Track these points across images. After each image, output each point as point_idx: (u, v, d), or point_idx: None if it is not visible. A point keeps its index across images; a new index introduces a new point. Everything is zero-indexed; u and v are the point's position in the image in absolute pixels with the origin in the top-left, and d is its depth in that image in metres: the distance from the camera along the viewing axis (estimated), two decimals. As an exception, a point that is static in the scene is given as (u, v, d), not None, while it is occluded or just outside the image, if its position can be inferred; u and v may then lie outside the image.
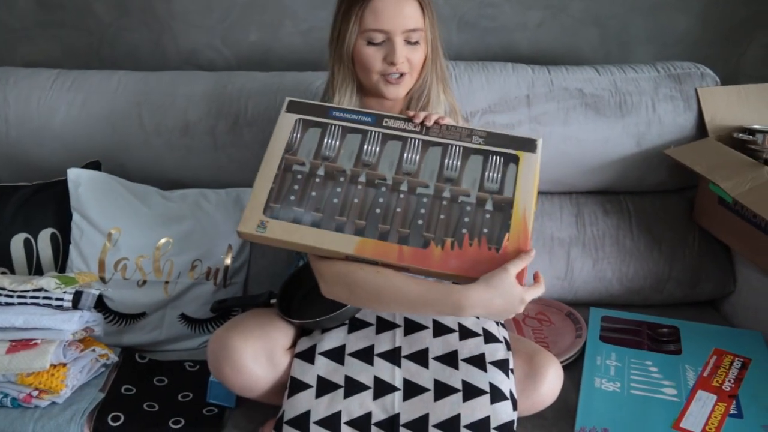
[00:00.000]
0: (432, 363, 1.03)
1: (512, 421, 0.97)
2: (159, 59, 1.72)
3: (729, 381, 1.16)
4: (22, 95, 1.48)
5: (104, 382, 1.20)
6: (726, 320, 1.44)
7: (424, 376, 1.02)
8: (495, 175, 1.02)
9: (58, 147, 1.48)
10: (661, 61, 1.55)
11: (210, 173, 1.49)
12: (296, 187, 1.02)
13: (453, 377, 1.01)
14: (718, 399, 1.12)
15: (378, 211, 0.99)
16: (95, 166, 1.42)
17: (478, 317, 1.09)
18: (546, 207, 1.51)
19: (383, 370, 1.03)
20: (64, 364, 1.12)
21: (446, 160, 1.03)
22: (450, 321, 1.09)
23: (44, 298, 1.14)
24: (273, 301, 1.17)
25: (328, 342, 1.06)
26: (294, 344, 1.07)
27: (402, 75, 1.09)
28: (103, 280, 1.32)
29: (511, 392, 1.00)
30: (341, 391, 1.00)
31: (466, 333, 1.07)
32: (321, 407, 0.98)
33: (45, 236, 1.35)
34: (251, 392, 1.04)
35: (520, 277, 0.94)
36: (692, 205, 1.51)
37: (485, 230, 0.97)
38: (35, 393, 1.11)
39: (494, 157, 1.03)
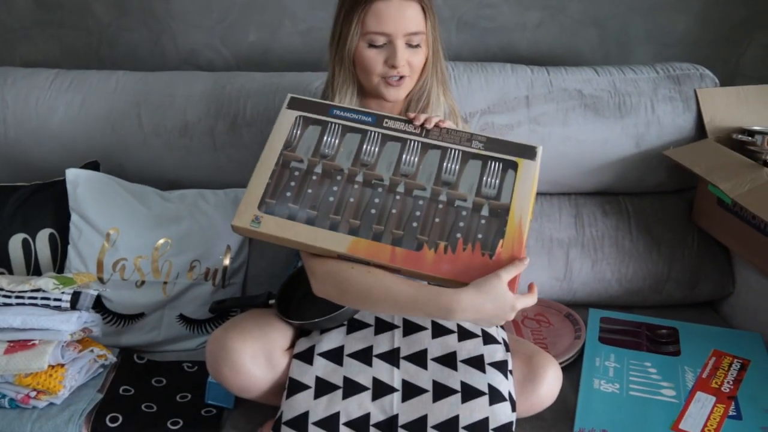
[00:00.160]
0: (431, 364, 1.03)
1: (511, 423, 0.97)
2: (158, 59, 1.72)
3: (728, 382, 1.16)
4: (20, 95, 1.47)
5: (102, 382, 1.20)
6: (725, 321, 1.44)
7: (423, 377, 1.02)
8: (493, 180, 1.01)
9: (57, 147, 1.48)
10: (661, 61, 1.55)
11: (209, 174, 1.49)
12: (293, 183, 1.02)
13: (452, 378, 1.01)
14: (717, 400, 1.12)
15: (373, 211, 0.99)
16: (94, 166, 1.42)
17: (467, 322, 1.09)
18: (545, 208, 1.51)
19: (382, 371, 1.03)
20: (62, 365, 1.12)
21: (445, 164, 1.03)
22: (449, 322, 1.09)
23: (42, 298, 1.14)
24: (272, 301, 1.16)
25: (327, 343, 1.06)
26: (292, 345, 1.07)
27: (402, 77, 1.09)
28: (101, 280, 1.31)
29: (509, 393, 1.00)
30: (340, 392, 1.00)
31: (465, 334, 1.07)
32: (319, 408, 0.98)
33: (43, 236, 1.35)
34: (250, 393, 1.04)
35: (512, 284, 0.93)
36: (691, 206, 1.51)
37: (480, 236, 0.97)
38: (33, 394, 1.11)
39: (493, 163, 1.02)
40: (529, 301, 0.96)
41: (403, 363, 1.04)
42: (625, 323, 1.36)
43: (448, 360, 1.03)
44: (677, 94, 1.45)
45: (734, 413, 1.09)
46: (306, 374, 1.01)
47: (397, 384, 1.01)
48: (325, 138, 1.06)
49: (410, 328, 1.09)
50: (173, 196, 1.42)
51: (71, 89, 1.48)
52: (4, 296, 1.14)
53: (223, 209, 1.39)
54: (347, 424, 0.98)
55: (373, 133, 1.06)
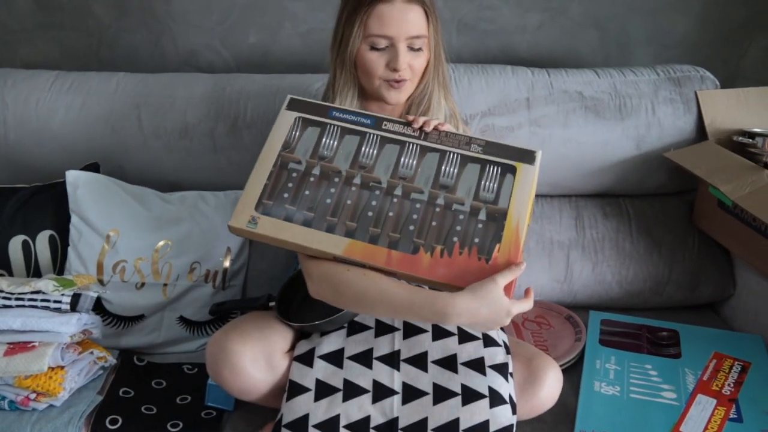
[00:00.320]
0: (431, 366, 1.03)
1: (511, 425, 0.97)
2: (158, 61, 1.72)
3: (729, 385, 1.16)
4: (20, 97, 1.47)
5: (102, 384, 1.20)
6: (726, 324, 1.43)
7: (423, 380, 1.02)
8: (491, 184, 1.01)
9: (57, 149, 1.47)
10: (661, 63, 1.55)
11: (209, 175, 1.49)
12: (290, 185, 1.02)
13: (452, 381, 1.01)
14: (717, 403, 1.12)
15: (370, 214, 0.99)
16: (94, 168, 1.42)
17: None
18: (545, 210, 1.51)
19: (382, 373, 1.02)
20: (62, 367, 1.12)
21: (443, 167, 1.03)
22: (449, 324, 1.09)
23: (42, 300, 1.14)
24: (272, 304, 1.16)
25: (327, 345, 1.05)
26: (293, 347, 1.07)
27: (403, 80, 1.09)
28: (101, 282, 1.31)
29: (510, 396, 1.00)
30: (340, 395, 1.00)
31: (465, 336, 1.07)
32: (320, 410, 0.98)
33: (43, 238, 1.35)
34: (250, 395, 1.04)
35: (508, 289, 0.93)
36: (692, 209, 1.50)
37: (476, 240, 0.96)
38: (33, 396, 1.11)
39: (492, 167, 1.02)
40: (525, 306, 0.95)
41: (403, 365, 1.04)
42: (626, 325, 1.36)
43: (449, 363, 1.03)
44: (678, 96, 1.45)
45: (735, 416, 1.09)
46: (306, 377, 1.01)
47: (397, 387, 1.01)
48: (323, 140, 1.06)
49: (411, 330, 1.09)
50: (173, 197, 1.42)
51: (71, 91, 1.48)
52: (4, 298, 1.14)
53: (224, 211, 1.39)
54: (347, 426, 0.98)
55: (371, 135, 1.06)
